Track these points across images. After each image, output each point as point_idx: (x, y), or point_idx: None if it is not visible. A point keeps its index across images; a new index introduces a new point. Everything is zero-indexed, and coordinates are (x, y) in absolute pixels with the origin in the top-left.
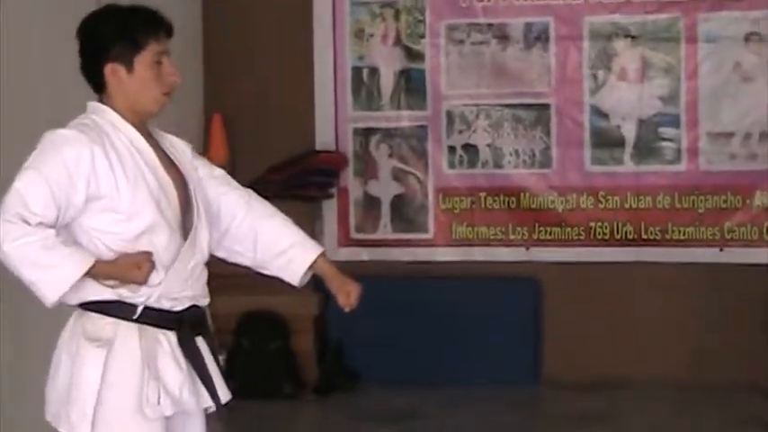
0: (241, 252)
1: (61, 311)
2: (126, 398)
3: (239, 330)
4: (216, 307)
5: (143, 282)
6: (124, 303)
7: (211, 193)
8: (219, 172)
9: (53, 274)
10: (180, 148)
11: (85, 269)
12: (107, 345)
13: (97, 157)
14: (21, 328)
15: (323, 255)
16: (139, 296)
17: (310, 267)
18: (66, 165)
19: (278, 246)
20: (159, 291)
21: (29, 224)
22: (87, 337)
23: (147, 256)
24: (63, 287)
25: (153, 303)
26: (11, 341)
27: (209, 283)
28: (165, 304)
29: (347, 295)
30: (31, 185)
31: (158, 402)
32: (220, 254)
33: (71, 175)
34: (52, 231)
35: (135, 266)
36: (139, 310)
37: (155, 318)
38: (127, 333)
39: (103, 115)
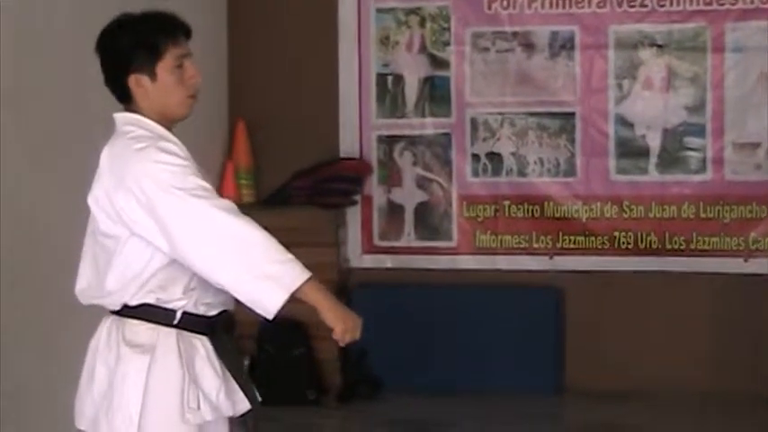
0: None
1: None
2: (169, 404)
3: (262, 337)
4: (238, 313)
5: (352, 337)
6: (164, 309)
7: None
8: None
9: (274, 283)
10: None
11: (303, 281)
12: (149, 351)
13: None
14: (45, 336)
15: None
16: (179, 301)
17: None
18: (193, 167)
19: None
20: (196, 296)
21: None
22: (128, 344)
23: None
24: (282, 298)
25: (191, 308)
26: (35, 349)
27: None
28: (201, 309)
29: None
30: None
31: (198, 407)
32: None
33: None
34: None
35: (355, 321)
36: (179, 315)
37: (192, 323)
38: (167, 339)
39: (145, 126)
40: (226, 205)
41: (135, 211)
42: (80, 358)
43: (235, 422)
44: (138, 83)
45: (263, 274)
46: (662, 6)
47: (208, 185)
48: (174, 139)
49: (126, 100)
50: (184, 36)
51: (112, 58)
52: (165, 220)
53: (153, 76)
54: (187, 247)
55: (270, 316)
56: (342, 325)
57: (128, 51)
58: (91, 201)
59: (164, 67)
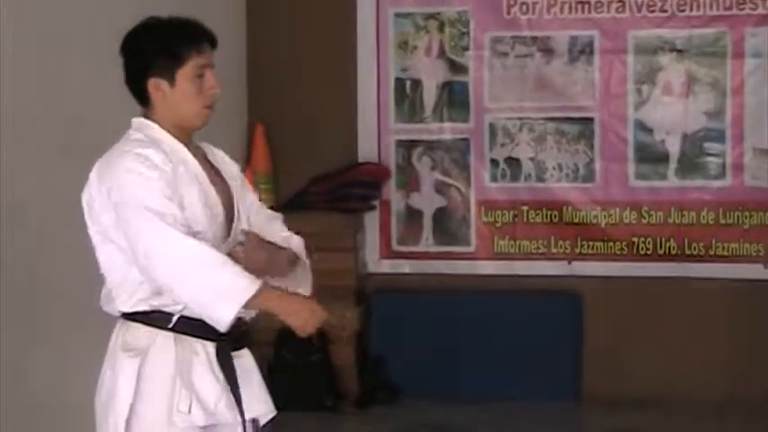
0: None
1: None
2: (157, 406)
3: (279, 343)
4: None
5: (310, 331)
6: (161, 312)
7: (253, 218)
8: (266, 206)
9: (225, 297)
10: (227, 162)
11: (254, 292)
12: (141, 354)
13: (167, 170)
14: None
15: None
16: (175, 305)
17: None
18: (155, 182)
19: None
20: None
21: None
22: (124, 348)
23: (322, 308)
24: (234, 310)
25: (189, 313)
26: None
27: None
28: None
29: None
30: (157, 209)
31: (189, 411)
32: None
33: (162, 188)
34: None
35: (309, 308)
36: (175, 318)
37: (192, 327)
38: (163, 342)
39: (148, 131)
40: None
41: (110, 218)
42: (93, 362)
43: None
44: (156, 87)
45: (215, 290)
46: (682, 11)
47: (166, 203)
48: (177, 147)
49: (144, 103)
50: (209, 46)
51: (135, 60)
52: (127, 234)
53: (172, 81)
54: (145, 262)
55: (222, 329)
56: (298, 321)
57: (150, 55)
58: (84, 205)
59: (184, 74)
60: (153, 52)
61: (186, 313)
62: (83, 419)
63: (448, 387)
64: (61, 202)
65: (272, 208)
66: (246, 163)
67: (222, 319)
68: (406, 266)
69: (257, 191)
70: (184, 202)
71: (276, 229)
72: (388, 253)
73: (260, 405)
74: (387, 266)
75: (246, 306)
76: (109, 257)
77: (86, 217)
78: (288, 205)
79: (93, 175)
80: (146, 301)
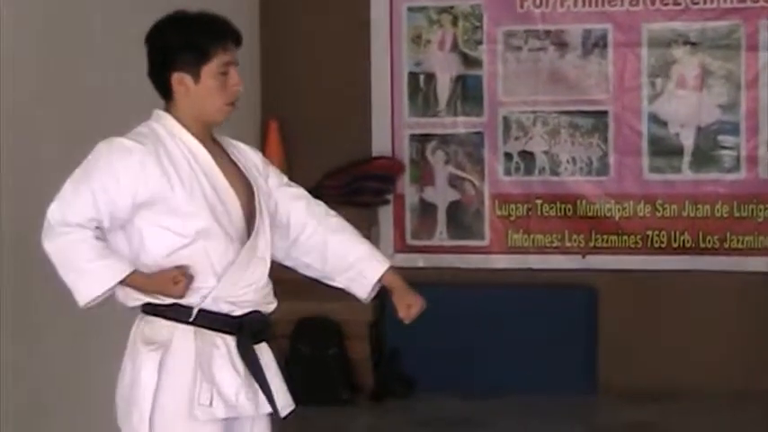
0: (309, 264)
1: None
2: (179, 400)
3: (296, 336)
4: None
5: (180, 296)
6: (180, 306)
7: (281, 202)
8: (293, 184)
9: (88, 279)
10: (249, 156)
11: (119, 279)
12: (162, 347)
13: (148, 165)
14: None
15: (391, 268)
16: (194, 299)
17: (379, 281)
18: (114, 172)
19: (347, 259)
20: (213, 294)
21: (69, 225)
22: (144, 341)
23: (182, 271)
24: (94, 292)
25: (209, 306)
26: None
27: None
28: (224, 308)
29: (407, 308)
30: (76, 191)
31: (210, 404)
32: (288, 263)
33: (119, 180)
34: (90, 233)
35: (170, 281)
36: (194, 312)
37: (212, 321)
38: (183, 336)
39: (163, 122)
40: (52, 228)
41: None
42: (110, 357)
43: (276, 421)
44: (180, 81)
45: (84, 270)
46: (695, 4)
47: (95, 200)
48: (191, 143)
49: (166, 96)
50: (234, 44)
51: (159, 54)
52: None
53: (197, 77)
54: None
55: (81, 304)
56: (163, 289)
57: (176, 49)
58: None
59: (209, 70)
60: (179, 47)
61: (206, 306)
62: (87, 415)
63: (462, 380)
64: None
65: None
66: None
67: (80, 299)
68: (420, 260)
69: None
70: (176, 199)
71: (299, 208)
72: (402, 247)
73: (279, 398)
74: (401, 260)
75: (129, 286)
76: (117, 246)
77: None
78: None
79: None
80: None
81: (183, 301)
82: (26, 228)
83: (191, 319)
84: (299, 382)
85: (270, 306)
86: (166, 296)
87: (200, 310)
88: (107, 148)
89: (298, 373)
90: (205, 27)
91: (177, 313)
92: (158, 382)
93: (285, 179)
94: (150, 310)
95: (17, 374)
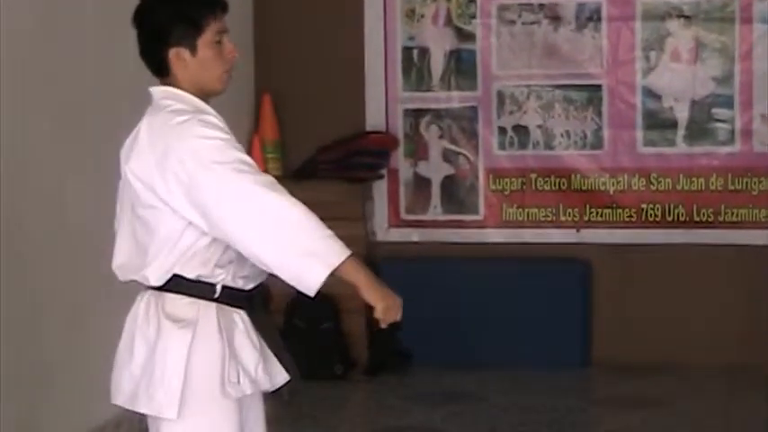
0: None
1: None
2: (211, 378)
3: (290, 311)
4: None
5: (389, 319)
6: (204, 283)
7: None
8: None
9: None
10: None
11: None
12: (191, 325)
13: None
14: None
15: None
16: (219, 275)
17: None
18: (234, 141)
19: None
20: (233, 269)
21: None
22: (170, 318)
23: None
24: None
25: (229, 282)
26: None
27: None
28: (239, 283)
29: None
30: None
31: (239, 381)
32: None
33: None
34: None
35: (395, 298)
36: (219, 288)
37: (231, 296)
38: (207, 313)
39: (184, 99)
40: (266, 181)
41: (173, 190)
42: (110, 335)
43: (268, 396)
44: (178, 56)
45: (305, 251)
46: None
47: (249, 160)
48: (213, 111)
49: (163, 73)
50: (222, 11)
51: (151, 31)
52: (206, 201)
53: (194, 50)
54: (228, 227)
55: (311, 293)
56: (383, 303)
57: (168, 25)
58: (129, 173)
59: (204, 41)
60: (171, 22)
61: (227, 283)
62: (92, 387)
63: (457, 355)
64: (87, 175)
65: (280, 177)
66: (254, 132)
67: (312, 283)
68: (414, 235)
69: (265, 160)
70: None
71: None
72: (396, 221)
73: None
74: (395, 235)
75: (335, 272)
76: (168, 222)
77: (136, 184)
78: (296, 174)
79: (146, 148)
80: (192, 267)
81: (209, 279)
82: (20, 215)
83: (216, 296)
84: (293, 357)
85: (264, 276)
86: (381, 301)
87: (224, 287)
88: (198, 129)
89: (292, 348)
90: None
91: (202, 291)
92: (188, 361)
93: None
94: (173, 286)
95: (15, 362)
